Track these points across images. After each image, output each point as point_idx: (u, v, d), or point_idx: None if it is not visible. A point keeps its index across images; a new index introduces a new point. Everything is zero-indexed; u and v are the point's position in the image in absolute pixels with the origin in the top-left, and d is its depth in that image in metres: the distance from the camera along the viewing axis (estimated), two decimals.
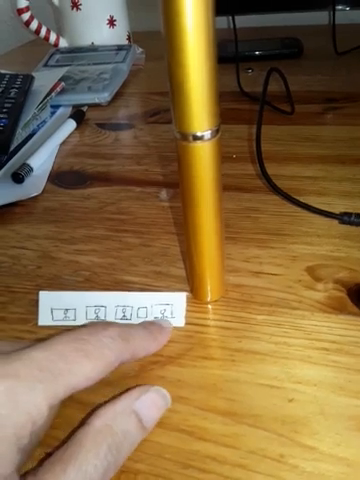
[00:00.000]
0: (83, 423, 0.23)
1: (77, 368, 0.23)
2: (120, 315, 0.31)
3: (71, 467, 0.21)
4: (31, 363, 0.22)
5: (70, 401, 0.27)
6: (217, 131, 0.26)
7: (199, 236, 0.30)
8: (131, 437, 0.23)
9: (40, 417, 0.21)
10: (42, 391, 0.21)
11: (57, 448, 0.22)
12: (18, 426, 0.21)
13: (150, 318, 0.31)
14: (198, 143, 0.26)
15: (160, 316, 0.31)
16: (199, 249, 0.30)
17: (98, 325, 0.26)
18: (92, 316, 0.31)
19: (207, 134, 0.25)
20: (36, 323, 0.32)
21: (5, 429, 0.20)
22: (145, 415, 0.24)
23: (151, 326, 0.29)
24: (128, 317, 0.31)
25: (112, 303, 0.31)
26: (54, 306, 0.32)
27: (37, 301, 0.32)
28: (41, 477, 0.21)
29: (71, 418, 0.27)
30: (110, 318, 0.31)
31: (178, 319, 0.31)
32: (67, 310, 0.32)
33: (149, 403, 0.25)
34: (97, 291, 0.32)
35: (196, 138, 0.26)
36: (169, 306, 0.31)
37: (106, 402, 0.24)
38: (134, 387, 0.26)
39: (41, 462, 0.24)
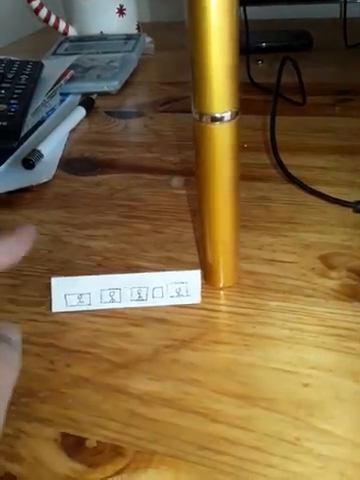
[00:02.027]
0: None
1: None
2: (136, 296, 0.31)
3: None
4: None
5: (85, 382, 0.28)
6: (236, 113, 0.26)
7: (214, 220, 0.30)
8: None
9: None
10: None
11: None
12: None
13: (166, 297, 0.31)
14: (216, 125, 0.26)
15: (175, 295, 0.31)
16: (213, 233, 0.30)
17: None
18: (107, 299, 0.31)
19: (226, 115, 0.25)
20: (50, 309, 0.32)
21: None
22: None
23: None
24: (144, 298, 0.31)
25: (127, 285, 0.31)
26: (67, 292, 0.32)
27: (49, 286, 0.32)
28: None
29: (86, 399, 0.27)
30: (125, 300, 0.31)
31: (194, 297, 0.31)
32: (81, 295, 0.31)
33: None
34: (110, 274, 0.32)
35: (215, 119, 0.25)
36: (184, 284, 0.31)
37: None
38: None
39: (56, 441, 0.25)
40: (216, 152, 0.27)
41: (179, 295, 0.31)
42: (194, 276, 0.31)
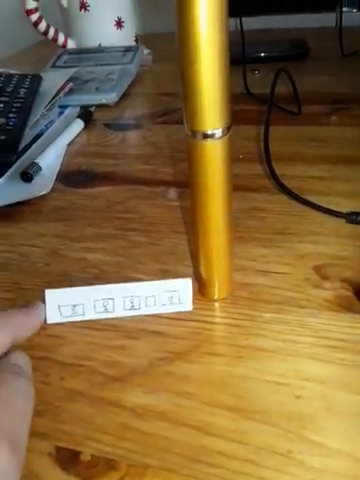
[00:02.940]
0: None
1: None
2: (129, 306, 0.32)
3: None
4: None
5: (79, 396, 0.28)
6: (228, 129, 0.26)
7: (208, 234, 0.30)
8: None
9: None
10: None
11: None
12: None
13: (158, 306, 0.32)
14: (209, 141, 0.26)
15: (168, 303, 0.32)
16: (208, 247, 0.31)
17: None
18: (100, 309, 0.32)
19: (218, 132, 0.26)
20: (45, 321, 0.32)
21: None
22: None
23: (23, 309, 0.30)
24: (136, 307, 0.32)
25: (119, 295, 0.32)
26: (61, 303, 0.32)
27: (43, 299, 0.32)
28: None
29: (80, 413, 0.27)
30: (119, 309, 0.32)
31: (186, 304, 0.32)
32: (75, 306, 0.32)
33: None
34: (103, 284, 0.32)
35: (207, 136, 0.26)
36: (176, 292, 0.32)
37: None
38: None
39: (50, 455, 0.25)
40: (209, 167, 0.27)
41: (171, 303, 0.32)
42: (186, 284, 0.32)
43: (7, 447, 0.21)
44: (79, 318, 0.32)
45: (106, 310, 0.32)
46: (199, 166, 0.27)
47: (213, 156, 0.27)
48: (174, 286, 0.32)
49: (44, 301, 0.32)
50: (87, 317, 0.32)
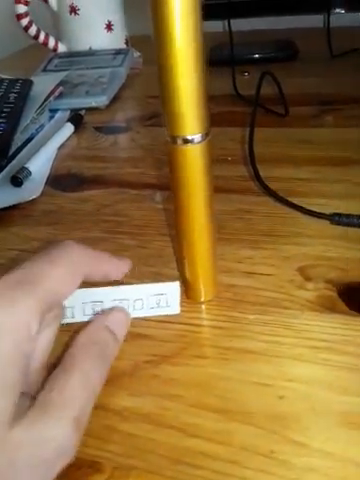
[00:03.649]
0: (68, 345, 0.25)
1: (49, 273, 0.24)
2: None
3: (74, 375, 0.23)
4: (7, 279, 0.23)
5: None
6: (207, 134, 0.27)
7: (191, 238, 0.30)
8: (110, 346, 0.26)
9: (34, 320, 0.22)
10: (26, 294, 0.22)
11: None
12: (14, 331, 0.21)
13: (146, 309, 0.32)
14: (188, 146, 0.26)
15: (155, 306, 0.32)
16: (191, 250, 0.31)
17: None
18: (90, 312, 0.32)
19: (197, 137, 0.26)
20: None
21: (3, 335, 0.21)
22: (115, 329, 0.28)
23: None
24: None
25: (108, 298, 0.32)
26: None
27: None
28: (48, 392, 0.22)
29: None
30: None
31: (173, 307, 0.32)
32: (64, 308, 0.32)
33: (116, 319, 0.28)
34: (91, 287, 0.33)
35: (186, 141, 0.26)
36: (164, 296, 0.31)
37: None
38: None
39: None
40: (189, 172, 0.28)
41: (159, 306, 0.32)
42: (173, 287, 0.32)
43: (72, 426, 0.21)
44: (69, 320, 0.32)
45: (95, 313, 0.32)
46: (180, 171, 0.28)
47: (193, 161, 0.27)
48: (162, 289, 0.32)
49: None
50: (77, 320, 0.32)
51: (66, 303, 0.32)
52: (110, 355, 0.26)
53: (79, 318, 0.32)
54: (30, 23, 0.82)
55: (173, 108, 0.25)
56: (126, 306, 0.32)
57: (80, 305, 0.32)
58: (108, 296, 0.32)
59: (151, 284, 0.32)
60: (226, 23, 0.71)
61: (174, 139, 0.26)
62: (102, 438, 0.26)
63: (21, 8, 0.80)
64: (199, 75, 0.24)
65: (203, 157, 0.27)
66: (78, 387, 0.23)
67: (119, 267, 0.30)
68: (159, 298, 0.32)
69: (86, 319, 0.32)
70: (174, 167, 0.28)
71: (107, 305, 0.32)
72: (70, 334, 0.32)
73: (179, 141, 0.26)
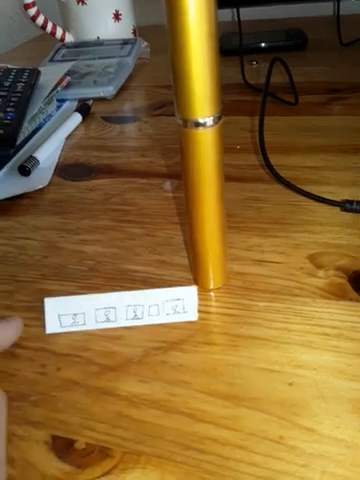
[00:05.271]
0: None
1: None
2: (131, 315, 0.31)
3: None
4: None
5: (75, 386, 0.28)
6: (219, 118, 0.26)
7: (201, 223, 0.30)
8: None
9: None
10: None
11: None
12: None
13: (162, 315, 0.31)
14: (200, 130, 0.26)
15: (172, 312, 0.31)
16: (201, 236, 0.31)
17: None
18: (102, 318, 0.31)
19: (209, 121, 0.26)
20: (44, 330, 0.31)
21: None
22: None
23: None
24: (139, 316, 0.31)
25: (122, 303, 0.31)
26: (61, 312, 0.31)
27: (42, 305, 0.31)
28: None
29: (76, 402, 0.27)
30: (121, 319, 0.31)
31: (191, 313, 0.31)
32: (75, 315, 0.31)
33: None
34: (104, 293, 0.32)
35: (198, 125, 0.26)
36: (180, 301, 0.31)
37: None
38: None
39: (46, 444, 0.25)
40: (201, 156, 0.27)
41: (175, 312, 0.31)
42: (190, 292, 0.31)
43: None
44: (80, 328, 0.31)
45: (108, 319, 0.31)
46: (191, 155, 0.27)
47: (205, 145, 0.27)
48: (178, 294, 0.31)
49: (43, 310, 0.31)
50: (88, 327, 0.31)
51: (77, 309, 0.31)
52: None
53: (91, 325, 0.31)
54: (37, 13, 0.82)
55: (185, 91, 0.25)
56: (140, 312, 0.31)
57: (92, 311, 0.31)
58: (122, 301, 0.31)
59: (167, 289, 0.31)
60: (235, 12, 0.71)
61: (185, 123, 0.26)
62: (111, 424, 0.26)
63: None
64: (212, 57, 0.24)
65: (215, 141, 0.27)
66: None
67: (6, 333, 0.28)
68: (176, 304, 0.31)
69: (98, 326, 0.31)
70: (185, 152, 0.27)
71: (120, 311, 0.31)
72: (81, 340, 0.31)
73: (190, 125, 0.26)
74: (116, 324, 0.31)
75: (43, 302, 0.31)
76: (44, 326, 0.31)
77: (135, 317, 0.31)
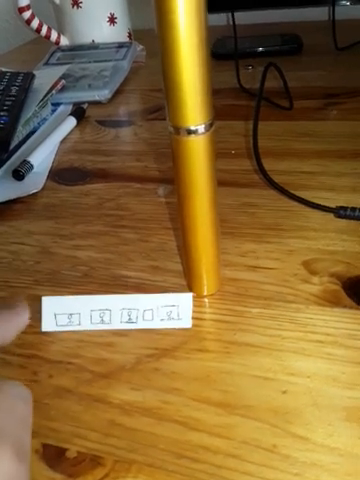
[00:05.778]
0: None
1: None
2: (126, 318, 0.31)
3: None
4: None
5: (67, 393, 0.28)
6: (211, 125, 0.26)
7: (194, 230, 0.30)
8: None
9: None
10: None
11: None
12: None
13: (156, 321, 0.31)
14: (192, 137, 0.26)
15: (166, 318, 0.31)
16: (194, 243, 0.31)
17: None
18: (97, 320, 0.31)
19: (200, 128, 0.26)
20: (40, 328, 0.32)
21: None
22: None
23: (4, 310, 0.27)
24: (134, 320, 0.31)
25: (117, 306, 0.31)
26: (57, 311, 0.31)
27: (39, 306, 0.31)
28: None
29: (67, 410, 0.27)
30: (115, 321, 0.31)
31: (185, 321, 0.31)
32: (71, 315, 0.31)
33: None
34: (101, 294, 0.32)
35: (190, 132, 0.26)
36: (175, 307, 0.31)
37: None
38: None
39: (37, 452, 0.25)
40: (193, 163, 0.27)
41: (170, 318, 0.31)
42: (186, 299, 0.31)
43: (12, 453, 0.21)
44: (75, 328, 0.31)
45: (103, 321, 0.31)
46: (183, 162, 0.27)
47: (197, 152, 0.27)
48: (173, 300, 0.31)
49: (40, 308, 0.31)
50: (83, 327, 0.31)
51: (73, 309, 0.31)
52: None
53: (86, 326, 0.31)
54: (32, 16, 0.82)
55: (176, 98, 0.25)
56: (135, 316, 0.31)
57: (87, 312, 0.31)
58: (117, 304, 0.31)
59: (163, 294, 0.31)
60: (230, 16, 0.71)
61: (177, 130, 0.26)
62: (103, 432, 0.26)
63: (23, 1, 0.79)
64: (203, 64, 0.24)
65: (207, 148, 0.27)
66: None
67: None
68: (170, 310, 0.31)
69: (93, 327, 0.31)
70: (177, 159, 0.27)
71: (115, 313, 0.31)
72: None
73: (182, 132, 0.26)
74: (110, 326, 0.31)
75: (40, 301, 0.31)
76: (40, 325, 0.32)
77: (129, 321, 0.31)
